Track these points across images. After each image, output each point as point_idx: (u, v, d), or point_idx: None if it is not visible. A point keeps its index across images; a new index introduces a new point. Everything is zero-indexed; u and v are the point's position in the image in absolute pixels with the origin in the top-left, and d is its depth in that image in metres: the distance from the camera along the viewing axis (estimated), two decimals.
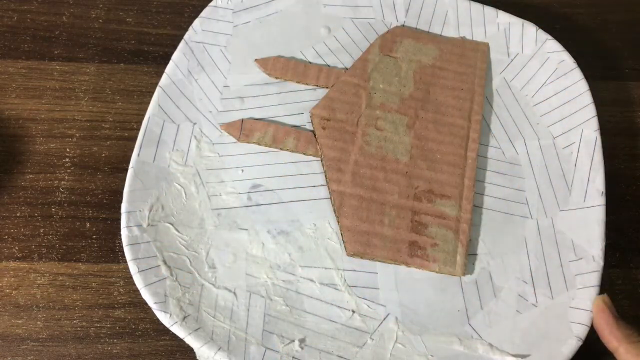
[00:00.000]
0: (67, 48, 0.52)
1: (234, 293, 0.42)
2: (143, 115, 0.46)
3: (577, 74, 0.50)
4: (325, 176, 0.46)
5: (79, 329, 0.42)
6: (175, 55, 0.49)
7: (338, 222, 0.44)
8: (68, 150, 0.48)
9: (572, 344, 0.41)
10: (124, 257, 0.41)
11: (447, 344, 0.41)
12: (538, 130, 0.49)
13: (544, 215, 0.46)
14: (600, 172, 0.47)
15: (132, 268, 0.40)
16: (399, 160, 0.46)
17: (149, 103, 0.47)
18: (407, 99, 0.49)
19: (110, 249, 0.45)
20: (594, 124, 0.48)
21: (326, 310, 0.42)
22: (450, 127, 0.48)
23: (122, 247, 0.41)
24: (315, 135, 0.47)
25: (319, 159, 0.47)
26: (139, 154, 0.44)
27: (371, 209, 0.44)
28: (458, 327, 0.42)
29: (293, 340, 0.40)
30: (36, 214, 0.45)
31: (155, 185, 0.44)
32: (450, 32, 0.53)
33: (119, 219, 0.42)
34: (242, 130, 0.47)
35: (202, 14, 0.51)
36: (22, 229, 0.45)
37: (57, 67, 0.51)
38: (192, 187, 0.44)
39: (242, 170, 0.46)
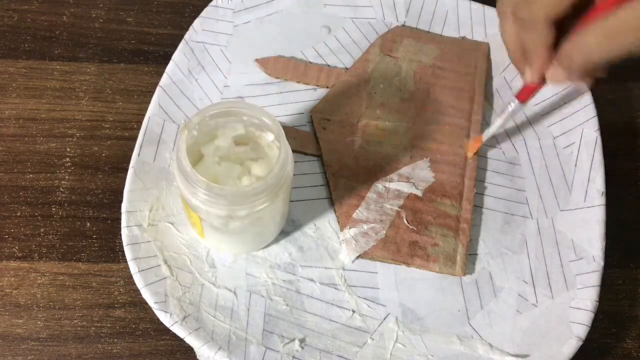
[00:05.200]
0: (68, 48, 0.52)
1: (234, 293, 0.42)
2: (143, 115, 0.46)
3: None
4: (326, 176, 0.46)
5: (79, 328, 0.42)
6: (176, 55, 0.49)
7: (338, 221, 0.44)
8: (68, 150, 0.48)
9: (572, 344, 0.41)
10: (124, 256, 0.41)
11: (447, 344, 0.41)
12: (538, 130, 0.49)
13: (544, 215, 0.46)
14: (600, 172, 0.47)
15: (133, 268, 0.40)
16: (399, 160, 0.46)
17: (149, 103, 0.47)
18: (407, 99, 0.49)
19: (110, 249, 0.45)
20: (594, 124, 0.48)
21: (326, 310, 0.42)
22: (451, 127, 0.48)
23: (122, 246, 0.41)
24: (315, 135, 0.47)
25: (319, 158, 0.47)
26: (139, 154, 0.44)
27: (371, 208, 0.44)
28: (458, 327, 0.42)
29: (293, 340, 0.40)
30: (36, 214, 0.45)
31: (155, 185, 0.44)
32: (450, 32, 0.53)
33: (119, 219, 0.42)
34: None
35: (203, 13, 0.51)
36: (23, 229, 0.45)
37: (58, 66, 0.51)
38: None
39: None
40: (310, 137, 0.47)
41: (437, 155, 0.47)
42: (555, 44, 0.34)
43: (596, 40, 0.30)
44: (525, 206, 0.46)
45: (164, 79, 0.48)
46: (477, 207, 0.46)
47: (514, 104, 0.43)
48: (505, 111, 0.44)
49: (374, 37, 0.52)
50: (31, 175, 0.47)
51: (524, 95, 0.42)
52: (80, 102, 0.50)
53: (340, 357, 0.40)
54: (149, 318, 0.42)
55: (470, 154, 0.47)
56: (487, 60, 0.52)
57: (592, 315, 0.42)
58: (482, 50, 0.52)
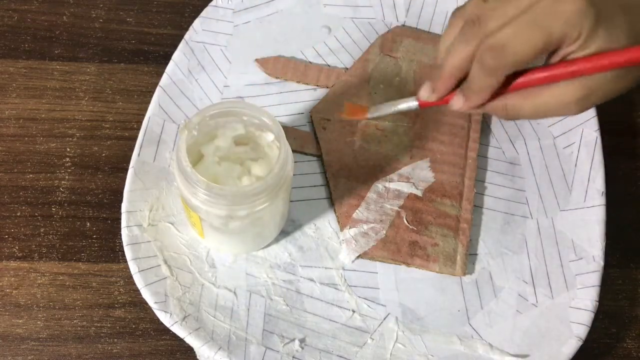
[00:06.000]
0: (68, 48, 0.52)
1: (234, 293, 0.42)
2: (143, 115, 0.46)
3: None
4: (326, 176, 0.46)
5: (79, 328, 0.42)
6: (176, 55, 0.49)
7: (338, 221, 0.44)
8: (68, 150, 0.48)
9: (572, 344, 0.41)
10: (124, 256, 0.41)
11: (447, 344, 0.41)
12: (538, 130, 0.49)
13: (544, 215, 0.46)
14: (600, 172, 0.47)
15: (133, 268, 0.40)
16: (399, 160, 0.46)
17: (149, 103, 0.47)
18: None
19: (110, 249, 0.45)
20: (594, 124, 0.48)
21: (326, 310, 0.42)
22: (451, 127, 0.48)
23: (122, 246, 0.42)
24: (315, 135, 0.47)
25: (319, 158, 0.47)
26: (139, 154, 0.44)
27: (371, 208, 0.44)
28: (458, 327, 0.42)
29: (293, 340, 0.40)
30: (36, 214, 0.45)
31: (155, 185, 0.44)
32: None
33: (119, 219, 0.42)
34: None
35: (203, 13, 0.51)
36: (23, 229, 0.45)
37: (58, 66, 0.51)
38: None
39: None
40: (310, 137, 0.47)
41: (437, 155, 0.47)
42: None
43: (528, 108, 0.33)
44: (525, 206, 0.46)
45: (164, 79, 0.48)
46: (477, 207, 0.46)
47: (412, 104, 0.38)
48: (401, 105, 0.38)
49: (374, 37, 0.52)
50: (31, 175, 0.47)
51: (430, 104, 0.37)
52: (80, 102, 0.50)
53: (340, 357, 0.40)
54: (149, 318, 0.42)
55: (344, 117, 0.41)
56: None
57: (592, 315, 0.42)
58: None
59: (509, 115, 0.34)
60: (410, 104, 0.38)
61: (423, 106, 0.38)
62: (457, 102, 0.35)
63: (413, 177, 0.46)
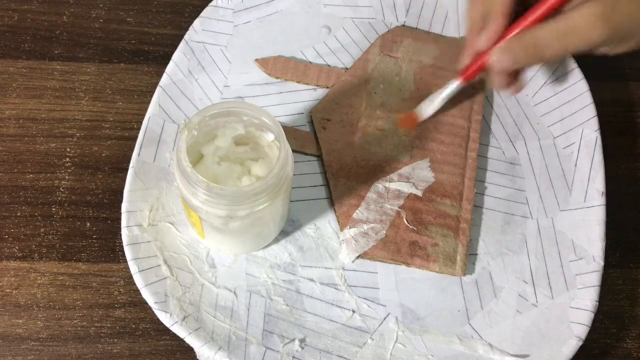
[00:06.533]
0: (68, 48, 0.52)
1: (234, 293, 0.42)
2: (143, 115, 0.46)
3: (577, 74, 0.50)
4: (326, 176, 0.46)
5: (79, 328, 0.42)
6: (176, 55, 0.49)
7: (338, 221, 0.44)
8: (68, 150, 0.48)
9: (572, 344, 0.41)
10: (124, 256, 0.41)
11: (447, 344, 0.41)
12: (538, 130, 0.49)
13: (545, 215, 0.46)
14: (600, 172, 0.47)
15: (133, 268, 0.40)
16: (399, 160, 0.46)
17: (149, 103, 0.47)
18: (407, 99, 0.49)
19: (110, 249, 0.45)
20: (594, 124, 0.48)
21: (326, 310, 0.42)
22: (451, 127, 0.48)
23: (122, 246, 0.42)
24: (315, 135, 0.47)
25: (319, 158, 0.47)
26: (139, 154, 0.44)
27: (371, 208, 0.44)
28: (458, 327, 0.42)
29: (293, 340, 0.40)
30: (36, 214, 0.45)
31: (155, 185, 0.44)
32: (450, 32, 0.53)
33: (119, 219, 0.42)
34: None
35: (203, 13, 0.51)
36: (23, 229, 0.45)
37: (58, 66, 0.51)
38: None
39: None
40: (310, 137, 0.47)
41: (437, 155, 0.47)
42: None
43: (549, 36, 0.34)
44: (525, 206, 0.46)
45: (164, 79, 0.48)
46: (477, 207, 0.46)
47: (456, 83, 0.44)
48: (446, 90, 0.45)
49: (374, 37, 0.52)
50: (31, 175, 0.47)
51: (471, 74, 0.43)
52: (80, 102, 0.50)
53: (340, 357, 0.40)
54: (149, 318, 0.42)
55: (401, 129, 0.47)
56: None
57: (592, 315, 0.42)
58: None
59: (535, 51, 0.34)
60: (453, 85, 0.44)
61: (468, 79, 0.42)
62: (482, 37, 0.38)
63: (413, 177, 0.46)
